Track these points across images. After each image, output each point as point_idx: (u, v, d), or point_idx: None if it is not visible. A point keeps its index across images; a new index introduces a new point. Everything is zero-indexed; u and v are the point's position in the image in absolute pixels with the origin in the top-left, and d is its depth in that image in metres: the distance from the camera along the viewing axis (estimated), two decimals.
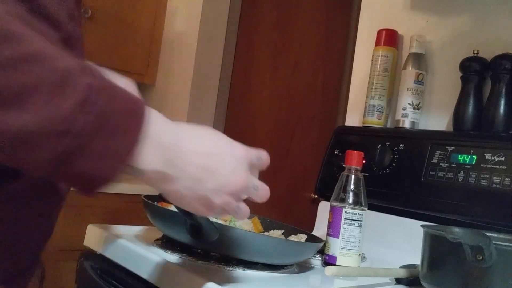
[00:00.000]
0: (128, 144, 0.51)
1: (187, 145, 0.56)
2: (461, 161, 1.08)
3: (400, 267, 0.95)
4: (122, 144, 0.50)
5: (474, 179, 1.05)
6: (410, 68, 1.28)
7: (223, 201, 0.57)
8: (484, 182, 1.03)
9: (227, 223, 1.00)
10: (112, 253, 0.99)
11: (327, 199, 1.04)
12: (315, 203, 1.46)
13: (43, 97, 0.46)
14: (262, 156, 0.62)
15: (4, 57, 0.44)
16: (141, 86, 2.80)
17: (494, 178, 1.02)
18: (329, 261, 0.96)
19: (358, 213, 0.96)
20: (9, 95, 0.45)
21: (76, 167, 0.48)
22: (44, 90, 0.46)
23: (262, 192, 0.61)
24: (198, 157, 0.56)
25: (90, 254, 1.05)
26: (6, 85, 0.44)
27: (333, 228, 0.96)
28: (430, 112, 1.28)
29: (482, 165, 1.04)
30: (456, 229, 0.74)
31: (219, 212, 0.59)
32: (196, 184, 0.55)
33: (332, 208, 0.97)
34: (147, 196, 0.98)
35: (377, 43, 1.35)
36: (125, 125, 0.50)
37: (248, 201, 0.61)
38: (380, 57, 1.34)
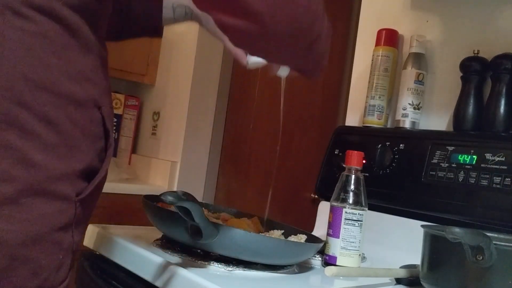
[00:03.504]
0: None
1: None
2: (461, 161, 1.08)
3: (400, 267, 0.95)
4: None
5: (474, 179, 1.05)
6: (410, 68, 1.28)
7: None
8: (484, 182, 1.03)
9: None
10: (112, 253, 0.99)
11: (327, 199, 1.04)
12: (315, 203, 1.45)
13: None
14: None
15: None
16: (141, 86, 2.82)
17: (494, 178, 1.02)
18: (329, 261, 0.96)
19: (359, 213, 0.96)
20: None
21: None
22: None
23: None
24: None
25: (90, 254, 1.05)
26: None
27: (333, 228, 0.96)
28: (430, 112, 1.28)
29: (482, 165, 1.04)
30: (457, 229, 0.74)
31: None
32: None
33: (332, 208, 0.97)
34: (147, 196, 0.98)
35: (377, 43, 1.35)
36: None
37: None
38: (380, 57, 1.34)
